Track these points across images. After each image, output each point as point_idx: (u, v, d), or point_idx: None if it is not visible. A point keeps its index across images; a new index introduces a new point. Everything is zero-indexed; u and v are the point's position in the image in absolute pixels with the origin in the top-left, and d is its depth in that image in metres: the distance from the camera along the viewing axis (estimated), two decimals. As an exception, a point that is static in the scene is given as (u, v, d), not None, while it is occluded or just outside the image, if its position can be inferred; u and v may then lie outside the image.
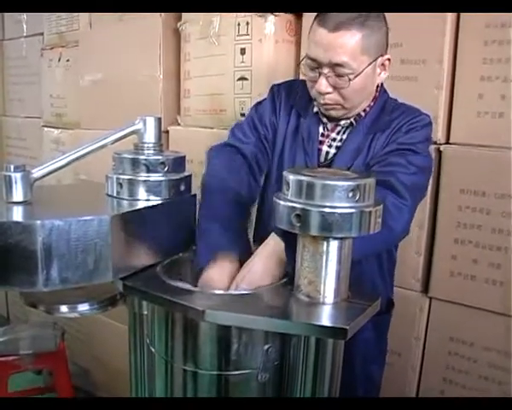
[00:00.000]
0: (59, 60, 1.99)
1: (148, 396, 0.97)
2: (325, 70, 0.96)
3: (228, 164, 1.05)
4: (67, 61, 1.95)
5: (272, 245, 0.87)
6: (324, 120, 1.06)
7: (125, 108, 1.63)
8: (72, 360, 1.92)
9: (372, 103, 1.05)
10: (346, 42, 0.94)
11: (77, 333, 2.06)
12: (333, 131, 1.07)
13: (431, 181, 1.24)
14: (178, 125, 1.62)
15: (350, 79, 0.95)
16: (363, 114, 1.05)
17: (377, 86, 1.05)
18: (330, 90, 0.98)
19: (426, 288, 1.31)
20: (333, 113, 1.03)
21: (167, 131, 1.60)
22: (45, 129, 2.08)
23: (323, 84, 0.97)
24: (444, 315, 1.30)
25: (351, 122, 1.05)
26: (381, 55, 0.99)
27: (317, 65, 0.97)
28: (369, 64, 0.96)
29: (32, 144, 2.20)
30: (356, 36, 0.94)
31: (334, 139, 1.06)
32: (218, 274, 0.90)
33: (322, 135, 1.07)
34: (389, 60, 1.01)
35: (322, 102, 1.00)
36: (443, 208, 1.26)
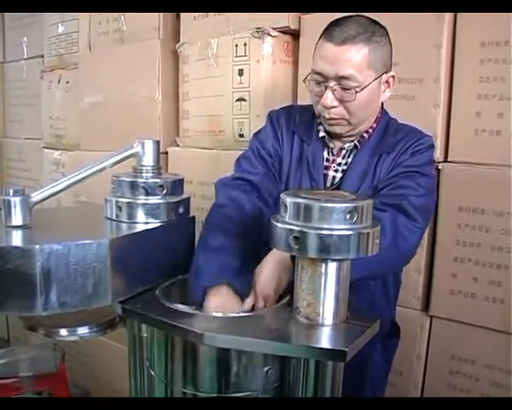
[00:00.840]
0: (58, 82, 2.00)
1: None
2: (331, 83, 0.97)
3: (235, 197, 1.02)
4: (67, 82, 1.97)
5: (278, 253, 0.88)
6: (331, 144, 1.06)
7: (124, 129, 1.64)
8: (73, 381, 1.91)
9: (375, 125, 1.06)
10: (352, 55, 0.95)
11: (78, 354, 2.05)
12: (338, 155, 1.07)
13: (429, 199, 1.25)
14: (177, 146, 1.63)
15: (356, 92, 0.96)
16: (366, 135, 1.05)
17: (381, 106, 1.06)
18: (336, 104, 0.98)
19: (426, 306, 1.31)
20: (337, 129, 1.03)
21: (166, 153, 1.61)
22: (45, 150, 2.09)
23: (329, 98, 0.98)
24: (445, 333, 1.30)
25: (355, 145, 1.05)
26: (386, 72, 1.00)
27: (323, 79, 0.98)
28: (375, 79, 0.98)
29: (33, 166, 2.21)
30: (362, 50, 0.95)
31: (339, 164, 1.06)
32: (213, 303, 0.89)
33: (328, 160, 1.07)
34: (393, 77, 1.03)
35: (327, 116, 1.00)
36: (442, 226, 1.26)
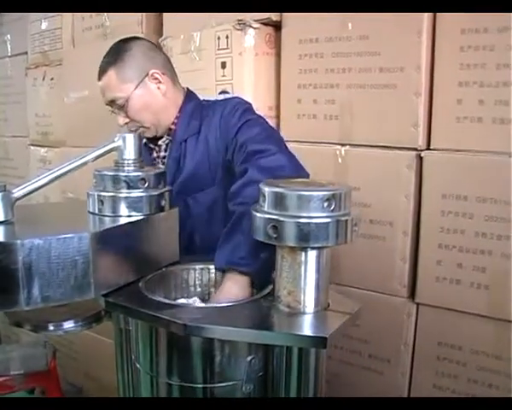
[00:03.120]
0: (43, 78, 1.99)
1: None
2: (114, 108, 1.19)
3: None
4: (52, 79, 1.96)
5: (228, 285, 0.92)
6: (155, 146, 1.24)
7: (110, 124, 1.62)
8: (65, 378, 1.90)
9: (179, 114, 1.21)
10: (107, 83, 1.17)
11: (68, 351, 2.05)
12: (160, 151, 1.24)
13: (413, 187, 1.26)
14: (163, 139, 1.62)
15: (126, 106, 1.15)
16: (173, 127, 1.20)
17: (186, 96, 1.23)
18: (127, 120, 1.18)
19: (412, 294, 1.32)
20: (147, 134, 1.20)
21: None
22: (32, 148, 2.08)
23: (120, 119, 1.19)
24: (431, 320, 1.30)
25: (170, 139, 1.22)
26: (147, 74, 1.16)
27: (110, 106, 1.20)
28: (136, 87, 1.15)
29: (20, 164, 2.20)
30: (111, 76, 1.15)
31: (164, 157, 1.23)
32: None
33: (157, 158, 1.24)
34: (158, 72, 1.17)
35: (133, 129, 1.18)
36: (426, 214, 1.27)
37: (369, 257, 1.34)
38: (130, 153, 0.94)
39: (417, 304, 1.32)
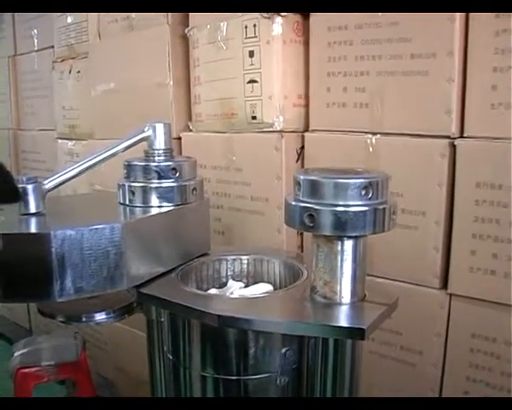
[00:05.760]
0: (70, 72, 2.00)
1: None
2: None
3: None
4: (78, 72, 1.96)
5: None
6: None
7: (136, 116, 1.63)
8: (96, 371, 1.92)
9: None
10: None
11: (98, 343, 2.07)
12: None
13: (446, 176, 1.23)
14: (190, 131, 1.62)
15: None
16: None
17: None
18: None
19: (445, 284, 1.29)
20: None
21: (179, 138, 1.60)
22: (59, 141, 2.09)
23: None
24: (464, 311, 1.28)
25: None
26: None
27: None
28: None
29: (47, 157, 2.22)
30: None
31: None
32: None
33: None
34: None
35: None
36: (459, 203, 1.23)
37: (401, 247, 1.31)
38: (160, 143, 0.93)
39: (450, 295, 1.29)
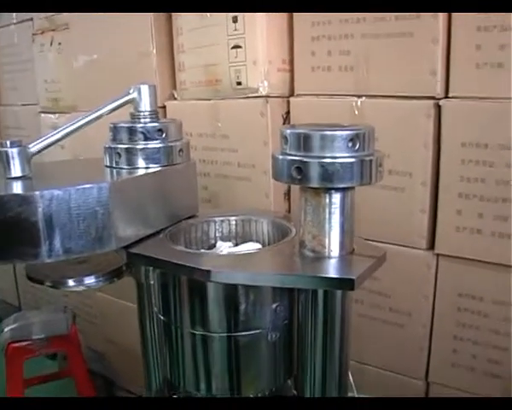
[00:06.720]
0: (51, 44, 1.96)
1: (158, 366, 0.98)
2: None
3: None
4: (59, 44, 1.93)
5: None
6: None
7: (119, 86, 1.59)
8: (87, 344, 1.92)
9: None
10: None
11: (89, 317, 2.07)
12: None
13: (431, 136, 1.23)
14: (175, 99, 1.61)
15: None
16: None
17: None
18: None
19: (432, 245, 1.30)
20: None
21: (164, 107, 1.59)
22: (42, 115, 2.06)
23: None
24: (451, 271, 1.29)
25: None
26: None
27: None
28: None
29: (31, 132, 2.19)
30: None
31: None
32: None
33: None
34: None
35: None
36: (445, 164, 1.24)
37: (387, 209, 1.32)
38: (145, 104, 0.92)
39: (437, 255, 1.30)
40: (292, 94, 1.42)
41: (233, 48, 1.41)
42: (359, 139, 0.70)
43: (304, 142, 0.70)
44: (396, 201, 1.31)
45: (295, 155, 0.71)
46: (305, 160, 0.69)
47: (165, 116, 1.58)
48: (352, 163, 0.69)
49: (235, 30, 1.39)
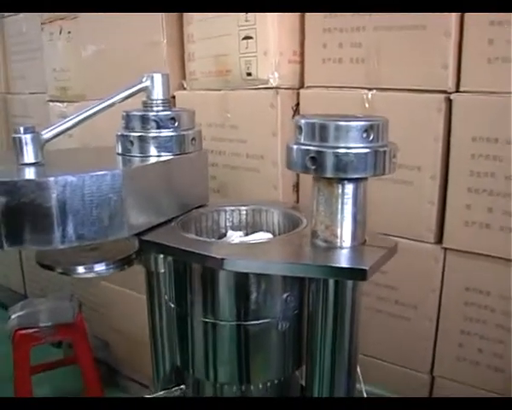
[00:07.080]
0: (60, 33, 1.96)
1: (166, 354, 0.98)
2: None
3: None
4: (69, 33, 1.93)
5: None
6: None
7: (129, 76, 1.59)
8: (92, 333, 1.93)
9: None
10: None
11: (95, 306, 2.08)
12: None
13: (442, 130, 1.23)
14: (184, 89, 1.61)
15: None
16: None
17: None
18: None
19: (440, 239, 1.30)
20: None
21: (174, 97, 1.59)
22: (51, 104, 2.06)
23: None
24: (459, 265, 1.29)
25: None
26: None
27: None
28: None
29: (39, 120, 2.19)
30: None
31: None
32: None
33: None
34: None
35: None
36: (455, 157, 1.24)
37: (396, 202, 1.32)
38: (158, 93, 0.92)
39: (445, 249, 1.30)
40: (302, 86, 1.42)
41: (244, 38, 1.41)
42: (373, 130, 0.70)
43: (319, 131, 0.70)
44: (404, 194, 1.31)
45: (310, 145, 0.71)
46: (319, 149, 0.69)
47: (174, 106, 1.58)
48: (366, 154, 0.69)
49: (247, 21, 1.39)
